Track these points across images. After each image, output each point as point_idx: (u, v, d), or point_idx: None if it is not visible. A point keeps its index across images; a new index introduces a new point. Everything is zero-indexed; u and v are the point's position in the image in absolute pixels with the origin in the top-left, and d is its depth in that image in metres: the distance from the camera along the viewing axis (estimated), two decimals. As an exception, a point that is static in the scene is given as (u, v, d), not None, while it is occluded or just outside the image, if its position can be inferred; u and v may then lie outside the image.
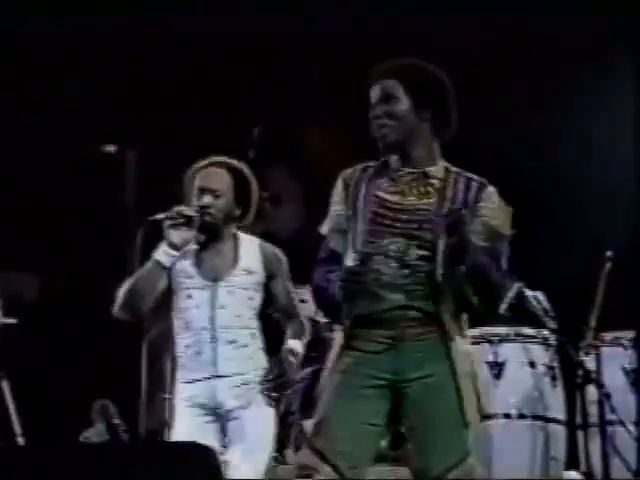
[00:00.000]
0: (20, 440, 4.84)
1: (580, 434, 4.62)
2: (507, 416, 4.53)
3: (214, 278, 3.82)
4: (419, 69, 3.08)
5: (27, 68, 6.05)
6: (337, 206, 3.12)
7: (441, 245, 2.93)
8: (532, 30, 5.72)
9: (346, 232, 3.05)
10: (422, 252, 2.95)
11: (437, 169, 3.06)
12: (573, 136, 5.84)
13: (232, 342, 3.78)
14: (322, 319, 5.65)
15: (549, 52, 5.77)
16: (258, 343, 3.92)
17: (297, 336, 4.08)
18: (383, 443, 3.10)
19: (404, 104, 3.02)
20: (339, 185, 3.13)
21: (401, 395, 2.95)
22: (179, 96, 6.25)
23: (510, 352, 4.60)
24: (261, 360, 3.91)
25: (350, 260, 2.98)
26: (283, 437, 5.05)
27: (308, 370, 5.20)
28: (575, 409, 4.65)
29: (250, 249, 3.89)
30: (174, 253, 3.72)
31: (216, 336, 3.76)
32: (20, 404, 5.04)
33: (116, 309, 3.84)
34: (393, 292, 2.96)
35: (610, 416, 4.42)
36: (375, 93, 3.06)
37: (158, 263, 3.73)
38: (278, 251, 3.99)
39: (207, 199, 3.79)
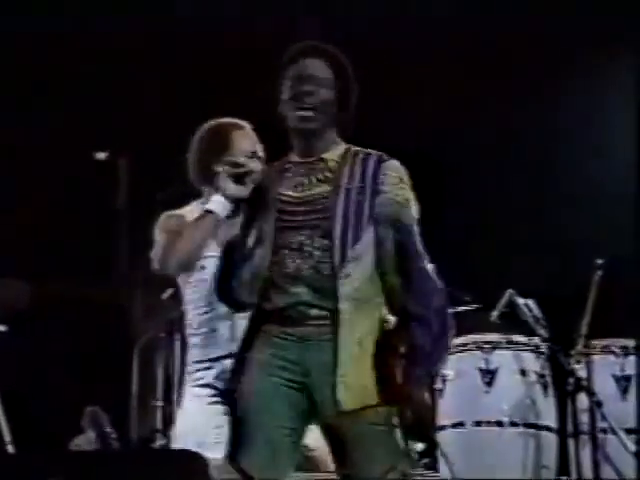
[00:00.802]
0: (10, 448, 4.82)
1: (571, 442, 4.63)
2: (499, 424, 4.53)
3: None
4: (334, 52, 2.94)
5: (15, 69, 6.04)
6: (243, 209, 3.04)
7: (338, 232, 2.80)
8: (532, 30, 5.72)
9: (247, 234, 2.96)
10: (326, 242, 2.81)
11: (334, 153, 2.93)
12: (569, 140, 5.84)
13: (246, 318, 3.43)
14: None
15: (548, 53, 5.77)
16: None
17: None
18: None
19: (330, 88, 2.89)
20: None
21: (315, 399, 2.81)
22: (171, 102, 6.25)
23: (502, 360, 4.60)
24: None
25: (258, 257, 2.87)
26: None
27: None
28: (566, 417, 4.66)
29: None
30: (230, 205, 3.20)
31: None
32: (10, 411, 5.02)
33: (167, 266, 3.34)
34: (296, 285, 2.81)
35: (601, 424, 4.43)
36: (298, 69, 2.91)
37: (212, 214, 3.21)
38: None
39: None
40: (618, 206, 5.53)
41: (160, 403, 4.80)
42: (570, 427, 4.64)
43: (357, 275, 2.80)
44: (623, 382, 4.58)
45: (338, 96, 2.90)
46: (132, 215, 5.66)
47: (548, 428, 4.60)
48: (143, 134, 6.14)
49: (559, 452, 4.62)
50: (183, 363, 4.61)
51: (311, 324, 2.81)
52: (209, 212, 3.20)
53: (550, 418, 4.63)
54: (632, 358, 4.61)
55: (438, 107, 5.74)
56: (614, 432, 4.33)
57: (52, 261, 5.91)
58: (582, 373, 4.57)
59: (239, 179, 3.06)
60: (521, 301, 4.68)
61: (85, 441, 4.87)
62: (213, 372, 3.50)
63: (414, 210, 2.90)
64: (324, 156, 2.92)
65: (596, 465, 4.43)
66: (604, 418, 4.36)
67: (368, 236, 2.82)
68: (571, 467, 4.61)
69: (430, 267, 2.86)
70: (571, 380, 4.56)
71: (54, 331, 5.06)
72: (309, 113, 2.88)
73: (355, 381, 2.76)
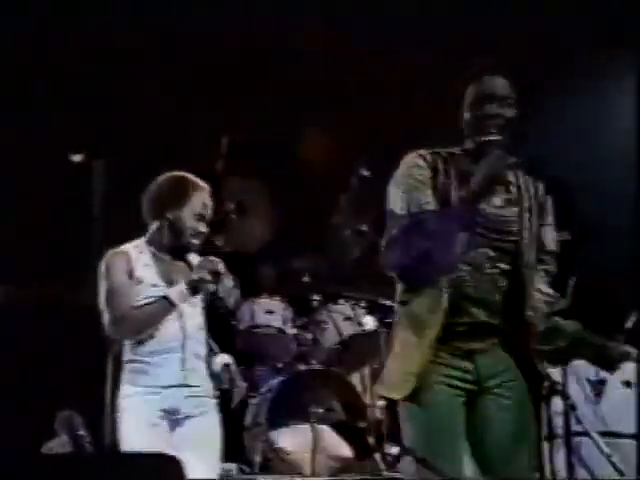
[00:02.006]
0: (-18, 451, 4.78)
1: (546, 445, 4.64)
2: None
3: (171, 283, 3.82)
4: (514, 72, 2.97)
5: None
6: (425, 193, 2.88)
7: (525, 256, 2.88)
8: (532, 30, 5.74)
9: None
10: (504, 265, 2.88)
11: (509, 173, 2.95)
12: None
13: (195, 353, 3.75)
14: (291, 330, 5.65)
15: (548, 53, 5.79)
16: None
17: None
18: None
19: (513, 107, 2.90)
20: (424, 167, 2.91)
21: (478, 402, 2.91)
22: (147, 106, 6.23)
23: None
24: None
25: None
26: (250, 448, 5.04)
27: (275, 381, 5.19)
28: (541, 420, 4.67)
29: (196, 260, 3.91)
30: (191, 299, 3.69)
31: (185, 346, 3.72)
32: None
33: (120, 332, 3.72)
34: (472, 305, 2.88)
35: (576, 427, 4.44)
36: (492, 88, 2.89)
37: (168, 301, 3.64)
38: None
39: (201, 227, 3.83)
40: (594, 209, 5.55)
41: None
42: (545, 430, 4.65)
43: (542, 299, 3.00)
44: (597, 386, 4.60)
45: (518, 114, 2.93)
46: (108, 217, 5.64)
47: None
48: (119, 136, 6.12)
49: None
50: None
51: (481, 337, 2.91)
52: (165, 298, 3.58)
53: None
54: (606, 362, 4.63)
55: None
56: (588, 435, 4.34)
57: (26, 263, 5.88)
58: (557, 377, 4.58)
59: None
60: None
61: (58, 444, 4.84)
62: (160, 398, 3.66)
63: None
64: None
65: (570, 468, 4.44)
66: (578, 421, 4.37)
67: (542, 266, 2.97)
68: (545, 470, 4.62)
69: None
70: (546, 384, 4.57)
71: (27, 333, 5.02)
72: (497, 137, 2.87)
73: None
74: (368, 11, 6.11)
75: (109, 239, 4.95)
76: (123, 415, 3.69)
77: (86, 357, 5.63)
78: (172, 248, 3.81)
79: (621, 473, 4.23)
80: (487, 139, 2.86)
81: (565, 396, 4.45)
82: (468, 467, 2.98)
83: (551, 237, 2.98)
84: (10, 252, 5.91)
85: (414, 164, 2.90)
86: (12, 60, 6.04)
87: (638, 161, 5.11)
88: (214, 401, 3.78)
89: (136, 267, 3.75)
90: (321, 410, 4.94)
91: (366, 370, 5.45)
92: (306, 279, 5.65)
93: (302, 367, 5.22)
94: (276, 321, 5.65)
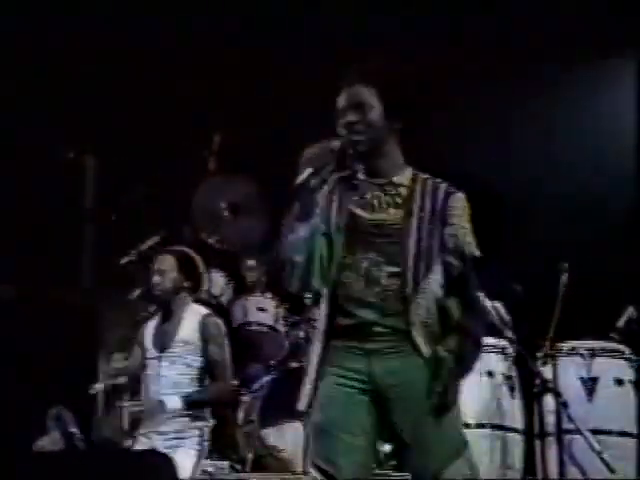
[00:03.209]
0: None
1: (538, 443, 4.65)
2: (466, 425, 4.53)
3: (160, 350, 4.57)
4: (392, 74, 2.98)
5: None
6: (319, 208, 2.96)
7: (410, 261, 2.89)
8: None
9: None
10: (392, 268, 2.90)
11: (404, 177, 2.99)
12: (537, 144, 5.88)
13: (170, 409, 4.42)
14: (283, 328, 5.65)
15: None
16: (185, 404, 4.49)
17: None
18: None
19: (377, 112, 2.93)
20: (324, 189, 2.98)
21: (384, 400, 2.91)
22: (139, 103, 6.23)
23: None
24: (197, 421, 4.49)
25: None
26: (242, 446, 5.04)
27: (267, 378, 5.18)
28: (533, 418, 4.68)
29: (193, 322, 4.58)
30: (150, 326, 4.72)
31: (162, 401, 4.43)
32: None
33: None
34: (361, 308, 2.91)
35: (567, 425, 4.45)
36: (346, 99, 2.95)
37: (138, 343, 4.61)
38: (218, 323, 4.65)
39: (155, 278, 4.62)
40: (586, 209, 5.57)
41: (126, 404, 4.78)
42: (536, 428, 4.66)
43: (429, 303, 2.92)
44: (589, 384, 4.61)
45: (388, 117, 2.94)
46: (99, 215, 5.64)
47: (514, 429, 4.62)
48: (111, 134, 6.12)
49: (525, 453, 4.64)
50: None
51: (378, 339, 2.91)
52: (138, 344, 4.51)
53: (516, 419, 4.65)
54: (598, 360, 4.65)
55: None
56: (580, 433, 4.35)
57: (18, 261, 5.87)
58: (549, 375, 4.59)
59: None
60: (488, 304, 4.69)
61: (50, 442, 4.82)
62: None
63: (474, 242, 3.01)
64: (394, 179, 2.97)
65: (562, 465, 4.45)
66: (570, 419, 4.38)
67: (437, 266, 2.92)
68: (537, 467, 4.63)
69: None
70: (538, 382, 4.58)
71: (20, 330, 5.01)
72: (358, 138, 2.92)
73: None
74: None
75: (100, 238, 4.96)
76: None
77: (77, 355, 5.63)
78: None
79: (612, 471, 4.24)
80: (352, 143, 2.92)
81: (557, 394, 4.47)
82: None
83: (454, 239, 2.94)
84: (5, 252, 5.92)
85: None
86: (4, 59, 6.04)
87: (637, 160, 5.12)
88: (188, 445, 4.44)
89: None
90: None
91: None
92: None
93: (294, 365, 5.21)
94: (268, 319, 5.65)
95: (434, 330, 2.92)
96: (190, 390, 4.50)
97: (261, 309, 5.67)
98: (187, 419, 4.46)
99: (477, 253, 2.98)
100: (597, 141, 5.90)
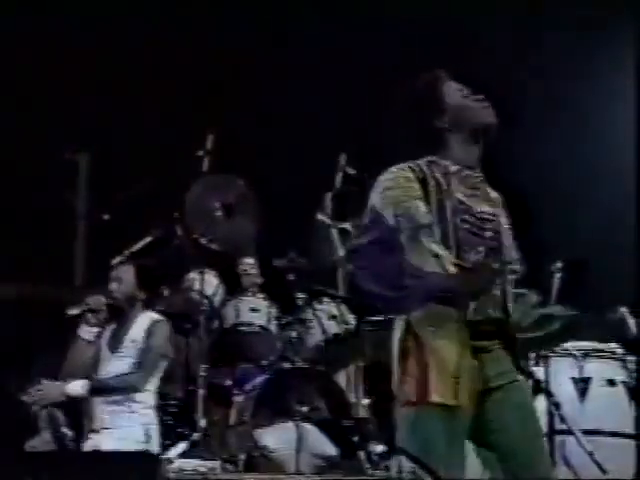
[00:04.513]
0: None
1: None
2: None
3: (112, 350, 4.76)
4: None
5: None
6: (418, 202, 2.87)
7: (507, 253, 2.94)
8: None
9: (430, 227, 2.84)
10: (497, 263, 2.90)
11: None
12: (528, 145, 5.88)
13: (114, 402, 4.61)
14: (276, 329, 5.65)
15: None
16: (141, 401, 4.67)
17: None
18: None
19: None
20: (411, 178, 2.90)
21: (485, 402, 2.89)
22: (133, 101, 6.22)
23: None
24: (147, 414, 4.66)
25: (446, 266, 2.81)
26: (234, 446, 5.04)
27: (260, 379, 5.18)
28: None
29: (142, 323, 4.77)
30: (93, 330, 4.70)
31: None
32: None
33: (60, 378, 4.63)
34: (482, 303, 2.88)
35: (559, 425, 4.45)
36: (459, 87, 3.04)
37: (82, 339, 4.67)
38: (166, 327, 4.81)
39: (112, 286, 4.81)
40: (580, 208, 5.58)
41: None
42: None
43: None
44: (581, 384, 4.61)
45: None
46: (91, 214, 5.64)
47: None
48: (105, 133, 6.12)
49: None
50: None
51: (486, 336, 2.91)
52: (81, 339, 4.63)
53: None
54: (590, 361, 4.65)
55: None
56: (572, 434, 4.35)
57: (8, 260, 5.86)
58: (541, 375, 4.59)
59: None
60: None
61: (41, 442, 4.82)
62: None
63: None
64: (479, 173, 3.02)
65: (554, 466, 4.45)
66: (562, 420, 4.39)
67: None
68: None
69: None
70: (530, 382, 4.58)
71: (13, 329, 5.00)
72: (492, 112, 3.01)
73: None
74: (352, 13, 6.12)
75: (91, 238, 4.95)
76: None
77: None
78: None
79: (604, 471, 4.24)
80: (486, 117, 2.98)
81: (549, 394, 4.47)
82: (472, 467, 2.97)
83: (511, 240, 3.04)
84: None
85: (403, 178, 2.91)
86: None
87: (637, 159, 5.12)
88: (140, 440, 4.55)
89: None
90: (305, 408, 4.94)
91: (351, 368, 5.44)
92: (291, 277, 5.65)
93: (287, 365, 5.21)
94: (261, 319, 5.65)
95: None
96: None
97: (254, 309, 5.67)
98: (129, 414, 4.60)
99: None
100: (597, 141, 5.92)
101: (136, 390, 4.67)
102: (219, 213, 5.69)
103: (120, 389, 4.66)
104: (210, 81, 6.34)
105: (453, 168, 2.96)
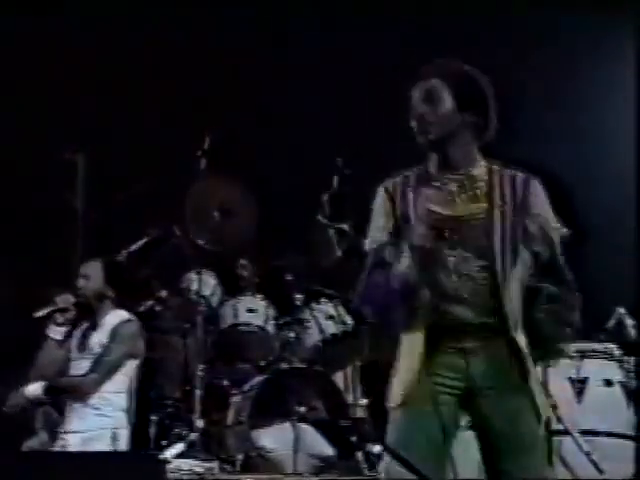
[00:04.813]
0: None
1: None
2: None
3: (81, 350, 4.74)
4: (464, 71, 3.05)
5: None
6: (384, 219, 3.01)
7: (498, 254, 2.89)
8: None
9: (397, 245, 2.93)
10: (481, 262, 2.90)
11: (480, 170, 3.01)
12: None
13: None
14: (274, 329, 5.65)
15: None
16: (110, 403, 4.66)
17: None
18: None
19: (448, 104, 2.98)
20: (382, 198, 3.04)
21: (474, 402, 2.92)
22: (133, 101, 6.22)
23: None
24: (116, 417, 4.65)
25: (408, 274, 2.88)
26: (232, 447, 5.04)
27: (258, 379, 5.18)
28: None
29: (110, 323, 4.73)
30: (61, 329, 4.67)
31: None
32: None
33: (31, 377, 4.64)
34: (456, 305, 2.91)
35: (556, 426, 4.46)
36: (418, 92, 3.02)
37: (51, 338, 4.66)
38: (132, 326, 4.79)
39: (80, 282, 4.76)
40: (578, 207, 5.57)
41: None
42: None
43: (517, 294, 2.92)
44: (578, 385, 4.61)
45: (460, 110, 2.99)
46: (89, 214, 5.63)
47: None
48: (103, 134, 6.11)
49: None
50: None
51: (472, 338, 2.92)
52: (51, 338, 4.63)
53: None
54: (587, 361, 4.65)
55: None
56: (569, 434, 4.35)
57: (10, 257, 5.86)
58: (538, 376, 4.59)
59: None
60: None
61: (38, 442, 4.82)
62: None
63: (559, 225, 3.04)
64: (473, 172, 3.00)
65: (551, 467, 4.45)
66: (559, 420, 4.39)
67: (523, 256, 2.94)
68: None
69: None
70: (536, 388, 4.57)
71: (10, 330, 5.00)
72: (427, 128, 2.98)
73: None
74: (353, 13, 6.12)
75: (89, 238, 4.95)
76: None
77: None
78: None
79: (601, 471, 4.24)
80: (421, 133, 2.99)
81: (546, 395, 4.47)
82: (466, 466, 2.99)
83: (539, 228, 2.97)
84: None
85: (377, 199, 3.07)
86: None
87: (637, 160, 5.12)
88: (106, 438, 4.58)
89: None
90: (303, 409, 4.94)
91: (349, 369, 5.45)
92: (289, 278, 5.65)
93: (284, 366, 5.21)
94: (258, 319, 5.65)
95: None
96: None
97: (251, 310, 5.67)
98: (96, 417, 4.59)
99: (565, 233, 3.04)
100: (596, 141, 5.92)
101: (87, 392, 4.62)
102: (217, 214, 5.69)
103: (70, 390, 4.64)
104: (210, 81, 6.33)
105: (429, 174, 3.01)
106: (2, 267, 5.84)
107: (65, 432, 4.62)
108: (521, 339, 2.92)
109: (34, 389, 4.58)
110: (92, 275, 4.79)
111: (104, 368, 4.66)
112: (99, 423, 4.60)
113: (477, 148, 3.04)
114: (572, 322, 3.04)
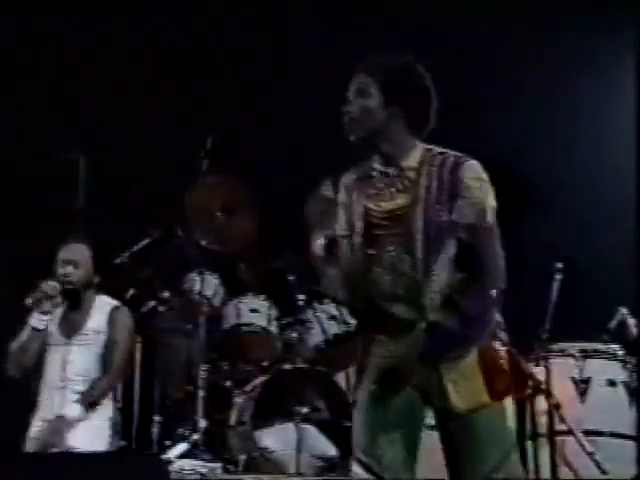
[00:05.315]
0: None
1: (530, 444, 4.65)
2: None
3: (68, 335, 4.55)
4: (396, 65, 3.06)
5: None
6: (343, 213, 3.05)
7: (419, 247, 2.87)
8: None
9: (349, 238, 2.99)
10: (410, 259, 2.90)
11: (412, 159, 2.98)
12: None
13: (78, 392, 4.47)
14: (276, 329, 5.65)
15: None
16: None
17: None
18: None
19: (374, 100, 2.99)
20: (342, 195, 3.08)
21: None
22: (132, 103, 6.22)
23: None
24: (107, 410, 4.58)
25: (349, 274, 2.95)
26: (234, 447, 5.04)
27: (261, 379, 5.18)
28: (525, 419, 4.68)
29: (103, 312, 4.59)
30: (45, 318, 4.46)
31: (66, 386, 4.47)
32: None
33: (8, 367, 4.50)
34: (394, 303, 2.93)
35: (559, 426, 4.46)
36: (351, 88, 3.07)
37: (33, 328, 4.47)
38: (127, 313, 4.70)
39: (67, 269, 4.51)
40: (580, 207, 5.57)
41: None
42: (529, 429, 4.66)
43: (441, 285, 2.89)
44: (581, 385, 4.61)
45: (387, 104, 2.99)
46: (91, 215, 5.63)
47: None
48: (104, 134, 6.11)
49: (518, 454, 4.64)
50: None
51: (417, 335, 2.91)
52: (33, 329, 4.45)
53: (509, 420, 4.64)
54: (590, 361, 4.65)
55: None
56: (572, 434, 4.35)
57: (12, 258, 5.86)
58: (541, 376, 4.59)
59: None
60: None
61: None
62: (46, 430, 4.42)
63: (492, 210, 2.95)
64: (403, 164, 2.98)
65: (554, 467, 4.46)
66: (562, 420, 4.39)
67: (449, 246, 2.90)
68: (529, 469, 4.63)
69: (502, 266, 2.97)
70: (530, 383, 4.58)
71: (9, 330, 4.99)
72: (352, 125, 3.04)
73: (464, 383, 2.88)
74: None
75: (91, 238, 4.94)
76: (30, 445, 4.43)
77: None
78: None
79: (604, 472, 4.24)
80: (348, 129, 3.06)
81: (549, 395, 4.47)
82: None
83: (466, 211, 2.90)
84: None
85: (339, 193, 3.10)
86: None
87: (637, 160, 5.12)
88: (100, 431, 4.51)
89: None
90: (306, 409, 4.94)
91: (351, 369, 5.45)
92: (291, 278, 5.65)
93: (287, 366, 5.21)
94: (261, 320, 5.65)
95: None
96: (92, 379, 4.52)
97: (254, 310, 5.67)
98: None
99: (491, 221, 2.92)
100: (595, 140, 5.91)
101: (114, 389, 4.63)
102: (219, 214, 5.69)
103: (104, 394, 4.59)
104: (210, 81, 6.33)
105: (371, 169, 3.03)
106: (2, 267, 5.84)
107: (46, 420, 4.50)
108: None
109: (81, 416, 4.45)
110: (81, 262, 4.56)
111: (118, 358, 4.60)
112: (98, 415, 4.55)
113: (415, 140, 3.01)
114: (468, 315, 2.90)
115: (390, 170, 2.99)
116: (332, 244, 3.01)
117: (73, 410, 4.43)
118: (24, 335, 4.50)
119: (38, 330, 4.46)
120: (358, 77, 3.06)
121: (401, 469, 2.91)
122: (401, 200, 2.95)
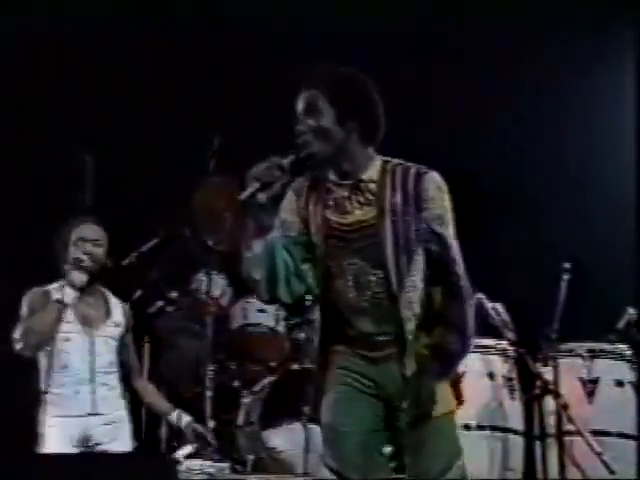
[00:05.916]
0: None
1: (538, 444, 4.65)
2: (466, 427, 4.54)
3: (90, 326, 4.32)
4: (341, 77, 2.90)
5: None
6: (288, 215, 2.97)
7: (391, 260, 2.83)
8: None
9: (297, 242, 2.93)
10: (379, 271, 2.85)
11: (372, 171, 2.90)
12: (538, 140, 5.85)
13: (105, 384, 4.30)
14: (284, 330, 5.66)
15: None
16: (121, 385, 4.43)
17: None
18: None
19: (327, 118, 2.85)
20: (291, 197, 2.99)
21: (391, 406, 2.94)
22: (139, 103, 6.23)
23: (469, 363, 4.61)
24: (123, 401, 4.43)
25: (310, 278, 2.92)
26: (242, 447, 5.04)
27: (269, 380, 5.19)
28: (533, 419, 4.69)
29: (118, 305, 4.48)
30: (75, 293, 4.17)
31: (94, 379, 4.26)
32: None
33: (20, 348, 4.19)
34: (358, 316, 2.91)
35: (567, 426, 4.46)
36: (300, 104, 2.91)
37: (59, 302, 4.14)
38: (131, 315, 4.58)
39: (88, 247, 4.25)
40: (586, 208, 5.56)
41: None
42: (537, 430, 4.66)
43: (415, 299, 2.87)
44: (589, 385, 4.61)
45: (340, 120, 2.86)
46: (97, 215, 5.63)
47: (514, 431, 4.63)
48: (111, 134, 6.12)
49: (526, 454, 4.64)
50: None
51: (378, 348, 2.90)
52: (58, 302, 4.11)
53: (517, 421, 4.65)
54: (598, 361, 4.65)
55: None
56: (580, 434, 4.35)
57: (18, 258, 5.87)
58: (549, 376, 4.59)
59: (81, 268, 4.05)
60: (489, 305, 4.70)
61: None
62: (73, 427, 4.16)
63: (451, 221, 2.90)
64: (363, 177, 2.89)
65: (562, 467, 4.46)
66: (570, 421, 4.39)
67: (419, 257, 2.87)
68: (537, 469, 4.63)
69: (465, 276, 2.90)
70: (538, 383, 4.58)
71: (9, 331, 4.99)
72: (311, 148, 2.87)
73: (441, 390, 2.88)
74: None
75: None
76: (46, 443, 4.11)
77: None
78: None
79: (612, 472, 4.24)
80: (305, 152, 2.89)
81: (557, 395, 4.47)
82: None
83: (433, 223, 2.86)
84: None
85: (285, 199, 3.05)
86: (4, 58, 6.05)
87: (637, 159, 5.11)
88: (127, 427, 4.39)
89: None
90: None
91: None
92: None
93: (295, 366, 5.21)
94: (269, 320, 5.65)
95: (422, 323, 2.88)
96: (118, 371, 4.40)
97: (261, 310, 5.67)
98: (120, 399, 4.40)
99: (452, 232, 2.87)
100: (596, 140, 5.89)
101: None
102: (226, 214, 5.69)
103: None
104: (210, 81, 6.33)
105: (327, 180, 2.94)
106: (2, 267, 5.84)
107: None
108: (419, 346, 2.87)
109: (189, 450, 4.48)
110: (102, 241, 4.33)
111: (134, 359, 4.59)
112: (120, 406, 4.45)
113: (369, 150, 2.92)
114: (458, 329, 2.87)
115: (350, 181, 2.90)
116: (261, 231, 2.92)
117: (106, 407, 4.29)
118: (44, 312, 4.15)
119: (64, 305, 4.12)
120: (308, 91, 2.89)
121: (370, 470, 2.90)
122: (366, 212, 2.87)
